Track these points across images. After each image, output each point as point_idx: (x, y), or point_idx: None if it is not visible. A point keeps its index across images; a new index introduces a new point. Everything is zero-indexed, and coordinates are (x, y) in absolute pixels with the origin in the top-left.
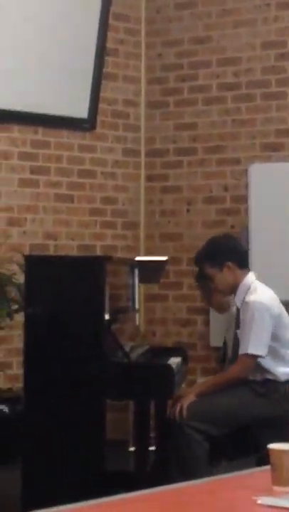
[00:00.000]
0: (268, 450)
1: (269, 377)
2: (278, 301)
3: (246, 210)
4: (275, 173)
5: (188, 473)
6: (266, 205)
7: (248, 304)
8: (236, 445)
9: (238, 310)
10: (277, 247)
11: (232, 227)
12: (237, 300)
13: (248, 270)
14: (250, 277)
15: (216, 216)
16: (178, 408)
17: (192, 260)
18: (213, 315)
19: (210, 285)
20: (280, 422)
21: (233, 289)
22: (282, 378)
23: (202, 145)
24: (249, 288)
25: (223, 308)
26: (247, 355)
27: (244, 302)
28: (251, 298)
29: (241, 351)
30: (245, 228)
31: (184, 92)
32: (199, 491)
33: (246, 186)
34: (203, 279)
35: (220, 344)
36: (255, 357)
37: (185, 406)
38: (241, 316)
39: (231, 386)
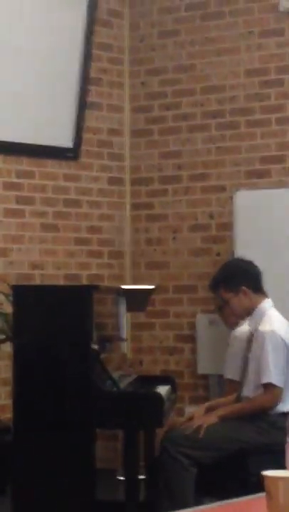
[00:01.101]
0: (262, 477)
1: None
2: None
3: (232, 238)
4: (261, 199)
5: (175, 497)
6: (252, 232)
7: (264, 334)
8: (225, 473)
9: (251, 334)
10: (264, 274)
11: (218, 254)
12: (251, 324)
13: (265, 295)
14: (266, 303)
15: (202, 244)
16: (196, 424)
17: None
18: (200, 343)
19: (225, 307)
20: (269, 451)
21: (248, 313)
22: (273, 411)
23: (187, 173)
24: (264, 315)
25: (233, 326)
26: (272, 385)
27: (258, 330)
28: (267, 327)
29: (265, 380)
30: (231, 255)
31: (168, 120)
32: None
33: (231, 213)
34: (219, 301)
35: (207, 372)
36: (279, 387)
37: (205, 426)
38: (254, 344)
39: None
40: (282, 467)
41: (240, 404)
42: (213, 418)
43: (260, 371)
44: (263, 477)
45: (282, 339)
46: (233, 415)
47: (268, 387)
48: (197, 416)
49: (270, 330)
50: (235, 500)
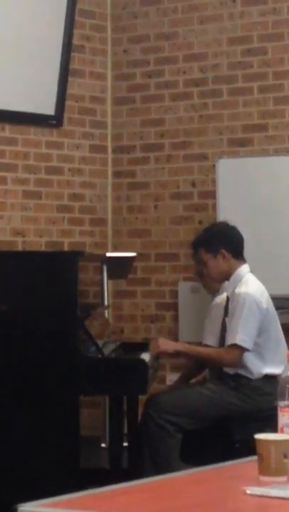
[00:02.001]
0: (254, 440)
1: (240, 372)
2: (267, 295)
3: (214, 206)
4: (243, 168)
5: (159, 463)
6: (234, 201)
7: (239, 296)
8: (210, 439)
9: (228, 298)
10: (245, 242)
11: (200, 222)
12: (228, 289)
13: (243, 261)
14: (244, 268)
15: (184, 212)
16: (154, 343)
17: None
18: (182, 310)
19: (204, 270)
20: (253, 417)
21: (226, 277)
22: (255, 376)
23: (169, 141)
24: (241, 279)
25: (212, 291)
26: (236, 346)
27: (234, 293)
28: (242, 289)
29: (230, 341)
30: None
31: (151, 88)
32: (187, 482)
33: (214, 182)
34: (198, 263)
35: (189, 339)
36: (243, 349)
37: (161, 348)
38: (230, 306)
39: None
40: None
41: (201, 348)
42: (170, 346)
43: (228, 331)
44: (255, 440)
45: (256, 302)
46: (190, 355)
47: (231, 347)
48: (160, 342)
49: (245, 292)
50: (221, 464)
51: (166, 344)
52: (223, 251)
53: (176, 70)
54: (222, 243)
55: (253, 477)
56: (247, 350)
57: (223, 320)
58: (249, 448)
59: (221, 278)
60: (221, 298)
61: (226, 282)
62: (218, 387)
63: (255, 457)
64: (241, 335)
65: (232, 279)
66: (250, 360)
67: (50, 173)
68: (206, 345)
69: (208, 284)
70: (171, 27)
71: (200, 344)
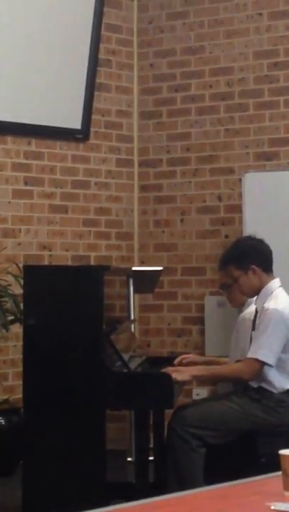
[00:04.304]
0: (278, 456)
1: (264, 385)
2: None
3: (240, 220)
4: (269, 182)
5: (184, 478)
6: (260, 214)
7: (267, 311)
8: (234, 454)
9: (256, 312)
10: (273, 256)
11: (226, 236)
12: (258, 303)
13: (273, 275)
14: (275, 283)
15: (210, 226)
16: (171, 372)
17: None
18: (209, 324)
19: (233, 285)
20: (278, 431)
21: (257, 292)
22: (278, 390)
23: (195, 155)
24: (271, 293)
25: (237, 305)
26: (256, 360)
27: (263, 307)
28: (271, 305)
29: (251, 355)
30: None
31: (177, 102)
32: (211, 497)
33: (240, 195)
34: (225, 277)
35: (215, 353)
36: (263, 364)
37: (178, 379)
38: (258, 321)
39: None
40: None
41: (217, 369)
42: (186, 375)
43: (252, 344)
44: (279, 456)
45: (284, 319)
46: (207, 378)
47: (249, 360)
48: (173, 368)
49: (274, 308)
50: (245, 479)
51: (180, 375)
52: (254, 267)
53: (203, 84)
54: (252, 259)
55: (278, 493)
56: (268, 365)
57: (250, 334)
58: (275, 463)
59: (252, 293)
60: (249, 312)
61: (256, 298)
62: (242, 400)
63: (280, 472)
64: (265, 350)
65: (262, 293)
66: (274, 375)
67: (77, 187)
68: (237, 361)
69: (233, 297)
70: (198, 41)
71: (226, 357)
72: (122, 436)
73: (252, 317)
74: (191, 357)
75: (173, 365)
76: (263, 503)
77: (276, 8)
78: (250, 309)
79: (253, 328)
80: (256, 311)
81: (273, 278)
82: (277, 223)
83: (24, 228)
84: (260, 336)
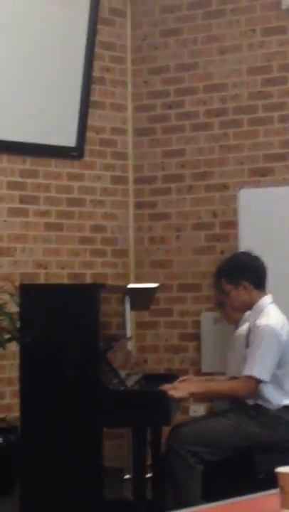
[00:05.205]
0: (275, 474)
1: (260, 402)
2: (288, 327)
3: (236, 236)
4: (264, 198)
5: (181, 495)
6: (255, 230)
7: (259, 327)
8: (233, 471)
9: (249, 329)
10: (268, 272)
11: (222, 252)
12: (250, 320)
13: (265, 292)
14: (266, 299)
15: (206, 242)
16: (168, 390)
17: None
18: (205, 341)
19: (227, 302)
20: (276, 448)
21: (248, 307)
22: (274, 406)
23: (190, 171)
24: (263, 310)
25: (233, 322)
26: (251, 377)
27: (255, 324)
28: (263, 321)
29: (246, 372)
30: None
31: (171, 119)
32: None
33: (235, 212)
34: (219, 292)
35: (212, 370)
36: (258, 381)
37: (175, 397)
38: (251, 337)
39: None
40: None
41: (214, 386)
42: (183, 392)
43: (247, 362)
44: (276, 474)
45: (276, 335)
46: (204, 395)
47: (245, 378)
48: (170, 386)
49: (265, 324)
50: (243, 497)
51: (177, 392)
52: (245, 282)
53: (197, 100)
54: (244, 274)
55: (276, 510)
56: (263, 381)
57: (244, 350)
58: (272, 479)
59: (242, 308)
60: (244, 329)
61: (248, 313)
62: (239, 417)
63: (278, 490)
64: (259, 367)
65: (253, 309)
66: (270, 392)
67: (72, 204)
68: (233, 378)
69: (228, 314)
70: (191, 58)
71: (223, 374)
72: (119, 454)
73: (245, 334)
74: (190, 378)
75: (170, 383)
76: None
77: (269, 24)
78: (246, 326)
79: (247, 345)
80: (248, 328)
81: (265, 294)
82: (273, 239)
83: (20, 246)
84: (254, 353)
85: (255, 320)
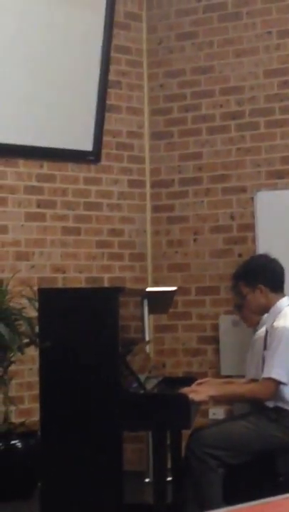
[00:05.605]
0: None
1: (280, 404)
2: None
3: (253, 238)
4: (281, 200)
5: (203, 499)
6: (273, 233)
7: (276, 329)
8: (254, 474)
9: (267, 331)
10: (286, 275)
11: (239, 255)
12: (267, 322)
13: (283, 294)
14: (284, 302)
15: (223, 245)
16: (188, 393)
17: (200, 289)
18: (224, 344)
19: (243, 302)
20: None
21: (265, 310)
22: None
23: (207, 174)
24: (280, 312)
25: (251, 325)
26: (271, 379)
27: (272, 326)
28: (280, 323)
29: (265, 374)
30: None
31: (188, 122)
32: None
33: (253, 214)
34: (237, 295)
35: (231, 373)
36: (278, 382)
37: (196, 400)
38: (268, 340)
39: (244, 412)
40: None
41: (234, 389)
42: (204, 395)
43: (265, 364)
44: None
45: None
46: (224, 398)
47: (265, 380)
48: (190, 389)
49: (283, 326)
50: (264, 500)
51: (197, 395)
52: (261, 286)
53: (213, 103)
54: (260, 278)
55: None
56: (283, 383)
57: (263, 353)
58: None
59: (259, 311)
60: (262, 331)
61: (266, 315)
62: (259, 420)
63: None
64: (277, 369)
65: (271, 312)
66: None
67: (89, 208)
68: (252, 380)
69: (246, 317)
70: (207, 61)
71: (242, 377)
72: (139, 458)
73: (263, 336)
74: (209, 381)
75: (189, 386)
76: None
77: (285, 26)
78: (264, 328)
79: (265, 348)
80: (266, 331)
81: (283, 296)
82: None
83: (38, 251)
84: (272, 355)
85: (273, 322)
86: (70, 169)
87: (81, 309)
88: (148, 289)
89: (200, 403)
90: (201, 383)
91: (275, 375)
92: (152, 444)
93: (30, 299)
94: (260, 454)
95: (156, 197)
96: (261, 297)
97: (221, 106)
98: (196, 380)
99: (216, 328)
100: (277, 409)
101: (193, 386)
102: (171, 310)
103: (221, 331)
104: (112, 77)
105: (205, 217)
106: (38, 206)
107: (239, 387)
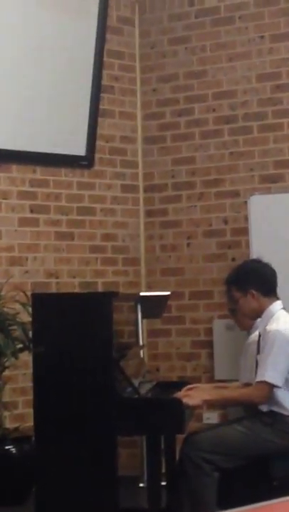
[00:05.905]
0: None
1: (274, 408)
2: None
3: (247, 243)
4: (275, 204)
5: (197, 503)
6: (267, 237)
7: (269, 333)
8: (248, 478)
9: (259, 335)
10: (279, 279)
11: (233, 259)
12: (260, 326)
13: (276, 298)
14: (276, 305)
15: (217, 249)
16: (182, 397)
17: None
18: (217, 348)
19: (235, 306)
20: None
21: (257, 314)
22: None
23: (200, 179)
24: (273, 316)
25: (245, 328)
26: (265, 382)
27: (265, 330)
28: (273, 327)
29: (258, 378)
30: None
31: (181, 127)
32: None
33: (246, 218)
34: (230, 299)
35: (225, 377)
36: (271, 386)
37: (190, 404)
38: (261, 343)
39: (239, 416)
40: None
41: (228, 393)
42: (198, 400)
43: (258, 368)
44: None
45: (287, 339)
46: (218, 403)
47: (259, 384)
48: (184, 393)
49: (275, 329)
50: (259, 504)
51: (191, 400)
52: (252, 291)
53: (206, 107)
54: (251, 282)
55: None
56: (277, 386)
57: (256, 357)
58: (288, 486)
59: (252, 315)
60: (256, 335)
61: (259, 319)
62: (254, 425)
63: None
64: (271, 372)
65: (264, 316)
66: (284, 397)
67: (82, 213)
68: (246, 384)
69: (240, 320)
70: (200, 65)
71: (236, 381)
72: (133, 462)
73: (256, 340)
74: (198, 386)
75: None
76: None
77: (278, 30)
78: (257, 332)
79: (258, 352)
80: (259, 334)
81: (275, 300)
82: (284, 245)
83: (31, 256)
84: (265, 359)
85: (266, 326)
86: (64, 174)
87: (75, 314)
88: (142, 294)
89: (194, 408)
90: (191, 389)
91: (268, 379)
92: (146, 448)
93: (23, 304)
94: (254, 458)
95: (149, 201)
96: (253, 301)
97: (214, 110)
98: (189, 384)
99: (209, 332)
100: (272, 413)
101: (183, 391)
102: (164, 314)
103: (214, 335)
104: (104, 81)
105: (198, 221)
106: (32, 211)
107: (233, 391)
